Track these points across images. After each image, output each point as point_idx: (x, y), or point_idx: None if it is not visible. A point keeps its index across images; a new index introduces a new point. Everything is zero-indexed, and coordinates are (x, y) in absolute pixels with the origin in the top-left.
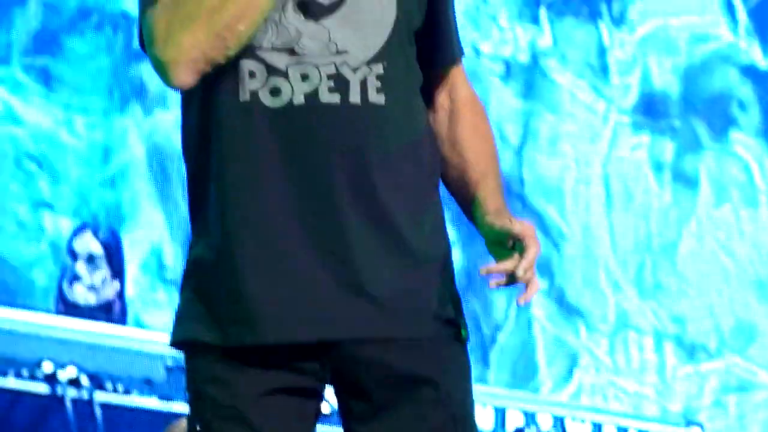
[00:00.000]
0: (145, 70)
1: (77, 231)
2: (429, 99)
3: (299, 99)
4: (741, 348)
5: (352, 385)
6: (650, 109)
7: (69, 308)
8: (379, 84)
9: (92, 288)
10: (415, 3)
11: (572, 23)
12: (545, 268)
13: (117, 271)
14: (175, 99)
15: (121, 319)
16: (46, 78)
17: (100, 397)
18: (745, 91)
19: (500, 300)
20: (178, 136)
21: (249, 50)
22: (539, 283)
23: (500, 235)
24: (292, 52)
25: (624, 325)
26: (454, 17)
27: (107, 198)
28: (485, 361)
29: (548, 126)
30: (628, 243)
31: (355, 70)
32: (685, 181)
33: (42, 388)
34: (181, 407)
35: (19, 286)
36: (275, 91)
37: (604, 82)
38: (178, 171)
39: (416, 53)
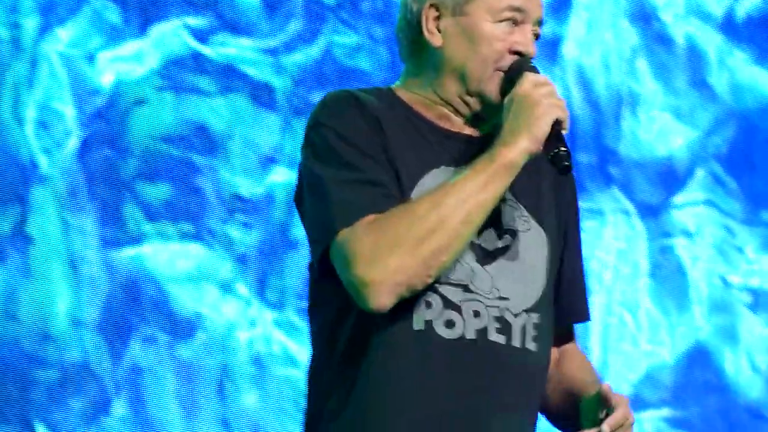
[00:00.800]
0: None
1: None
2: None
3: (471, 334)
4: None
5: None
6: None
7: None
8: (535, 333)
9: None
10: (557, 259)
11: None
12: None
13: None
14: None
15: None
16: None
17: None
18: None
19: None
20: None
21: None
22: None
23: (593, 402)
24: (466, 288)
25: None
26: (584, 276)
27: None
28: None
29: None
30: None
31: (516, 315)
32: None
33: None
34: None
35: None
36: (450, 324)
37: None
38: None
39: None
